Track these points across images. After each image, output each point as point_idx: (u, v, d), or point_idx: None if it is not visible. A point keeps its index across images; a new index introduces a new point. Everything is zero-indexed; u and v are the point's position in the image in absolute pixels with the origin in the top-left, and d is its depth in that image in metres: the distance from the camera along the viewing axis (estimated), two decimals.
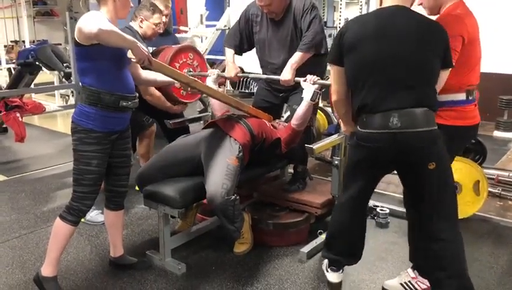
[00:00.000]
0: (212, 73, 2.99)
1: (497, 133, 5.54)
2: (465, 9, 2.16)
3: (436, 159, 1.92)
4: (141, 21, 3.02)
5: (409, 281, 2.28)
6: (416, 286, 2.27)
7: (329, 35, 7.82)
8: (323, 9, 7.89)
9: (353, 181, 2.13)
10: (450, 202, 1.99)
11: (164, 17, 3.17)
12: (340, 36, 2.01)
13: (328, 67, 2.42)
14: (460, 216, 2.09)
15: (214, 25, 7.30)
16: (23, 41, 8.91)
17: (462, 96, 2.17)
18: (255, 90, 4.22)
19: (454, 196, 2.04)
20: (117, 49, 2.08)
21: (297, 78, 2.75)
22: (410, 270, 2.31)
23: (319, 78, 2.64)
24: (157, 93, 3.05)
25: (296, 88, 2.86)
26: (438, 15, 2.20)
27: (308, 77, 2.65)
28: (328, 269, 2.36)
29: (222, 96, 2.81)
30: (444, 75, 2.02)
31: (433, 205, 1.96)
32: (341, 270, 2.34)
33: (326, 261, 2.40)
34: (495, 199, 3.50)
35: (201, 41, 7.34)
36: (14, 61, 6.92)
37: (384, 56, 1.92)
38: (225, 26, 7.07)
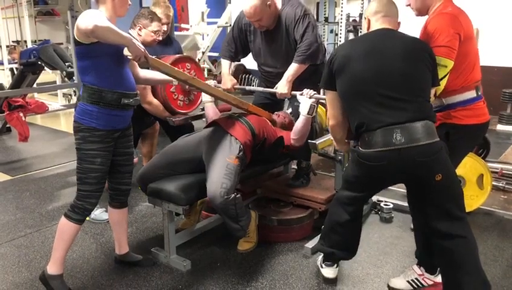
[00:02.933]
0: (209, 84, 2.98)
1: (501, 127, 5.54)
2: (455, 7, 2.15)
3: (442, 170, 1.88)
4: (140, 29, 3.00)
5: (416, 278, 2.28)
6: (423, 282, 2.26)
7: (331, 31, 7.82)
8: (325, 5, 7.86)
9: (353, 188, 2.12)
10: (460, 204, 1.97)
11: (165, 26, 3.16)
12: (330, 61, 2.03)
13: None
14: None
15: (215, 22, 7.30)
16: (25, 41, 8.92)
17: (472, 93, 2.16)
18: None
19: (462, 197, 2.00)
20: (116, 47, 2.08)
21: (293, 92, 2.74)
22: (415, 267, 2.30)
23: (315, 92, 2.62)
24: (156, 101, 3.04)
25: None
26: (427, 15, 2.19)
27: (305, 90, 2.64)
28: (323, 265, 2.37)
29: (221, 94, 2.78)
30: (432, 93, 2.03)
31: (444, 212, 1.93)
32: (335, 265, 2.35)
33: (320, 257, 2.41)
34: (499, 193, 3.50)
35: (203, 39, 7.35)
36: (16, 61, 6.92)
37: (376, 72, 1.92)
38: (226, 23, 7.07)
